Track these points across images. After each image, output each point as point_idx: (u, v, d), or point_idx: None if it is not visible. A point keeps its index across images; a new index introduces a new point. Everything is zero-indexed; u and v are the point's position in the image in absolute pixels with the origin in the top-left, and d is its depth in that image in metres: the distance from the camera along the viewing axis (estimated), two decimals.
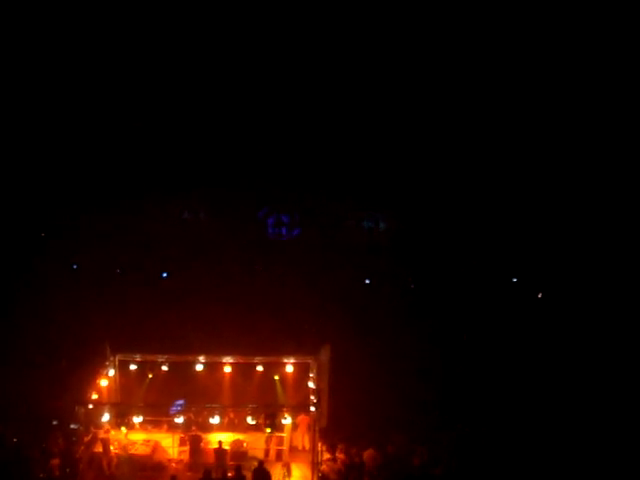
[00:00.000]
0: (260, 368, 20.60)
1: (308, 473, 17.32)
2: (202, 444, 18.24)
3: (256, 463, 16.84)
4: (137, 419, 18.20)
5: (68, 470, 16.80)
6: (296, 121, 25.92)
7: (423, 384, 22.29)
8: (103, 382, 19.22)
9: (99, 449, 17.97)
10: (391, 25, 23.09)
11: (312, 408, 17.50)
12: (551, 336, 23.57)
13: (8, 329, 23.18)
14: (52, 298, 24.55)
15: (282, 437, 18.85)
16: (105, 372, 19.60)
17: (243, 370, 20.87)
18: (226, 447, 17.94)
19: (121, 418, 17.19)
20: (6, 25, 21.89)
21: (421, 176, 26.73)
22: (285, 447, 18.77)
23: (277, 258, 27.41)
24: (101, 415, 18.17)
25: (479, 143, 25.39)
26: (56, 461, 17.10)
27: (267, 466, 17.01)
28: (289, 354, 20.53)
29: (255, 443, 18.60)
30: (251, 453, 18.27)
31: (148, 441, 18.58)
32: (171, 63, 24.10)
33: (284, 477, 17.58)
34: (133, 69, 24.17)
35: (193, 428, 18.79)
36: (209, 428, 18.69)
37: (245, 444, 18.48)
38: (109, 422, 18.32)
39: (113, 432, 18.44)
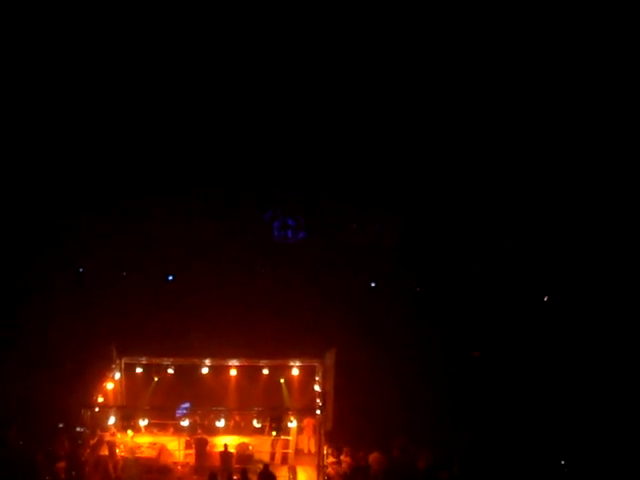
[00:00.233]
0: (266, 371, 20.61)
1: (314, 476, 17.30)
2: (208, 447, 18.24)
3: (261, 466, 16.84)
4: (143, 422, 18.23)
5: (74, 473, 16.83)
6: (301, 124, 25.93)
7: (428, 387, 22.26)
8: (109, 385, 19.25)
9: (105, 452, 18.00)
10: (395, 27, 23.09)
11: (318, 411, 17.47)
12: (557, 339, 23.50)
13: (14, 332, 23.24)
14: (58, 301, 24.61)
15: (288, 440, 18.84)
16: (111, 375, 19.63)
17: (249, 373, 20.87)
18: (232, 450, 17.92)
19: (127, 421, 17.20)
20: (8, 26, 21.95)
21: (426, 179, 26.71)
22: (291, 450, 18.76)
23: (283, 261, 27.42)
24: (107, 418, 18.21)
25: (484, 146, 25.36)
26: (62, 464, 17.14)
27: (273, 469, 17.01)
28: (295, 357, 20.53)
29: (261, 446, 18.59)
30: (257, 456, 18.27)
31: (154, 444, 18.60)
32: (174, 65, 24.14)
33: None
34: (136, 71, 24.22)
35: (199, 431, 18.80)
36: (215, 431, 18.69)
37: (251, 447, 18.47)
38: (115, 425, 18.36)
39: (119, 435, 18.47)
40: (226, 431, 18.88)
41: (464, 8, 22.53)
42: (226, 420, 18.22)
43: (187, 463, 18.33)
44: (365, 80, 24.59)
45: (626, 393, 20.61)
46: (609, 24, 21.51)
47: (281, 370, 20.74)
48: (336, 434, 19.21)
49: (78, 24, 22.92)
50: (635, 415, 19.54)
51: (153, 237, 27.15)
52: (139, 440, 18.78)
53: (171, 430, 19.46)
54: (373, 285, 26.88)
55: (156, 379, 20.82)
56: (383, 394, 22.05)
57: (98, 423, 18.43)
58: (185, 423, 18.39)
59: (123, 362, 20.31)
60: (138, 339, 22.30)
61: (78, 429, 18.46)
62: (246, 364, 20.50)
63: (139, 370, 20.44)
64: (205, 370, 20.33)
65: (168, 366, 20.31)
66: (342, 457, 18.30)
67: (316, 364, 20.11)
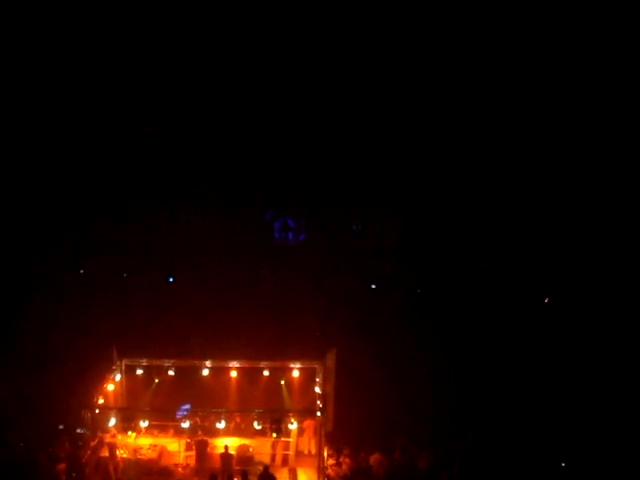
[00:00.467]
0: (266, 373, 20.64)
1: (314, 478, 17.33)
2: (208, 449, 18.27)
3: (262, 468, 16.85)
4: (143, 424, 18.24)
5: (74, 475, 16.84)
6: (302, 125, 25.94)
7: (429, 388, 22.27)
8: (110, 387, 19.28)
9: (105, 454, 18.01)
10: (395, 27, 23.10)
11: (318, 413, 17.48)
12: (558, 340, 23.48)
13: (15, 333, 23.26)
14: (59, 302, 24.61)
15: (288, 442, 18.86)
16: (112, 377, 19.66)
17: (249, 375, 20.90)
18: (232, 452, 17.95)
19: (127, 423, 17.21)
20: (8, 26, 21.96)
21: (427, 180, 26.69)
22: (291, 452, 18.78)
23: (283, 262, 27.41)
24: (107, 420, 18.22)
25: (485, 147, 25.35)
26: (62, 466, 17.16)
27: (273, 471, 17.04)
28: (295, 359, 20.55)
29: (261, 448, 18.62)
30: (257, 458, 18.30)
31: (154, 446, 18.62)
32: (174, 64, 24.14)
33: None
34: (136, 72, 24.22)
35: (199, 433, 18.82)
36: (215, 433, 18.70)
37: (251, 449, 18.50)
38: (115, 427, 18.37)
39: (120, 437, 18.48)
40: (226, 433, 18.90)
41: (464, 8, 22.54)
42: (226, 422, 18.21)
43: (187, 465, 18.38)
44: (365, 80, 24.59)
45: (627, 394, 20.60)
46: (609, 24, 21.51)
47: (281, 372, 20.77)
48: (336, 436, 19.23)
49: (79, 24, 22.94)
50: (635, 416, 19.53)
51: (154, 238, 27.15)
52: (139, 442, 18.80)
53: (171, 432, 19.49)
54: (373, 287, 26.85)
55: (157, 381, 20.85)
56: (383, 396, 22.05)
57: (98, 425, 18.45)
58: (185, 425, 18.40)
59: (124, 364, 20.34)
60: (139, 341, 22.32)
61: (78, 430, 18.50)
62: (246, 366, 20.53)
63: (140, 372, 20.47)
64: (206, 372, 20.36)
65: (169, 368, 20.34)
66: (342, 459, 18.33)
67: (316, 366, 20.13)
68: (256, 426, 18.02)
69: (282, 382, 20.92)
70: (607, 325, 22.97)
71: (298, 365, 20.45)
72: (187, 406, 19.33)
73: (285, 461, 18.64)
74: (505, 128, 24.71)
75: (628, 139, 23.14)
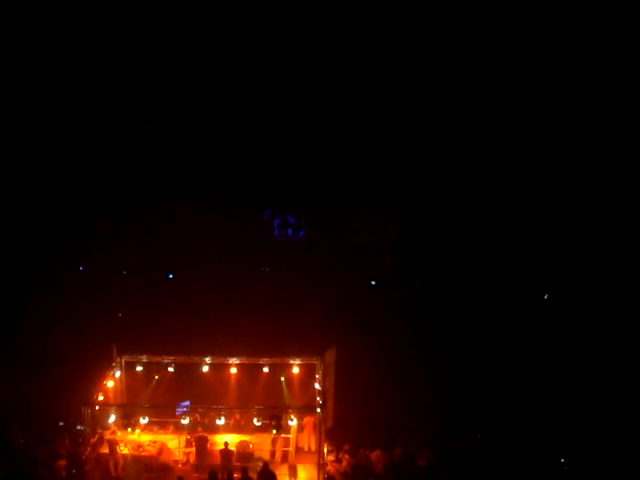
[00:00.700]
0: (266, 369, 20.62)
1: (314, 474, 17.33)
2: (208, 445, 18.27)
3: (262, 464, 16.86)
4: (143, 420, 18.26)
5: (74, 471, 16.85)
6: (301, 121, 25.92)
7: (429, 385, 22.27)
8: (109, 383, 19.29)
9: (105, 450, 18.02)
10: (395, 26, 23.08)
11: (318, 409, 17.49)
12: (558, 337, 23.48)
13: (14, 331, 23.27)
14: (58, 300, 24.61)
15: (288, 438, 18.86)
16: (111, 373, 19.67)
17: (249, 371, 20.89)
18: (232, 448, 17.94)
19: (127, 419, 17.22)
20: (8, 26, 21.93)
21: (427, 177, 26.68)
22: (291, 448, 18.77)
23: (283, 259, 27.40)
24: (107, 416, 18.24)
25: (484, 144, 25.33)
26: (63, 462, 17.19)
27: (273, 467, 17.05)
28: (295, 355, 20.55)
29: (261, 444, 18.61)
30: (257, 454, 18.29)
31: (154, 442, 18.62)
32: (174, 63, 24.12)
33: (290, 478, 17.60)
34: (136, 71, 24.20)
35: (199, 429, 18.83)
36: (215, 429, 18.72)
37: (251, 445, 18.49)
38: (115, 423, 18.38)
39: (119, 433, 18.50)
40: (226, 429, 18.92)
41: (464, 8, 22.53)
42: (226, 418, 18.22)
43: (187, 461, 18.38)
44: (366, 77, 24.57)
45: (626, 392, 20.61)
46: (609, 24, 21.50)
47: (281, 368, 20.76)
48: (336, 432, 19.26)
49: (79, 23, 22.91)
50: (635, 414, 19.54)
51: (153, 235, 27.14)
52: (140, 438, 18.81)
53: (171, 428, 19.50)
54: (373, 283, 26.85)
55: (156, 377, 20.86)
56: (383, 392, 22.06)
57: (99, 421, 18.47)
58: (185, 421, 18.40)
59: (123, 360, 20.34)
60: (138, 337, 22.31)
61: (79, 427, 18.49)
62: (246, 362, 20.52)
63: (139, 368, 20.45)
64: (205, 368, 20.36)
65: (168, 364, 20.33)
66: (342, 455, 18.35)
67: (316, 362, 20.13)
68: (256, 422, 18.02)
69: (282, 378, 20.93)
70: (607, 322, 22.97)
71: (298, 362, 20.45)
72: (187, 403, 19.36)
73: (285, 457, 18.64)
74: (506, 124, 24.70)
75: (627, 138, 23.15)
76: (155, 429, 19.57)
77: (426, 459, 18.02)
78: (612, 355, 22.22)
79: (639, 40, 20.92)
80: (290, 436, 18.90)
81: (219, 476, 16.43)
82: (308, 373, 20.49)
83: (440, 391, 22.08)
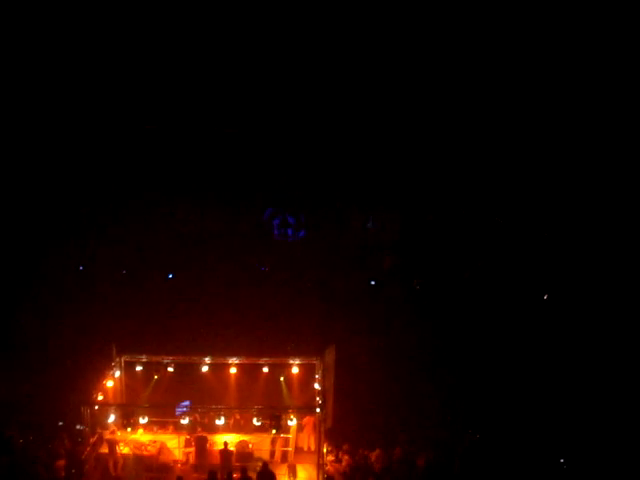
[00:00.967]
0: (266, 369, 20.61)
1: (313, 474, 17.32)
2: (208, 445, 18.25)
3: (261, 464, 16.85)
4: (143, 420, 18.24)
5: (74, 471, 16.84)
6: (301, 121, 25.92)
7: (429, 385, 22.28)
8: (109, 383, 19.26)
9: (105, 450, 18.02)
10: (395, 26, 23.08)
11: (317, 409, 17.48)
12: (557, 338, 23.49)
13: (14, 330, 23.28)
14: (58, 300, 24.62)
15: (288, 438, 18.85)
16: (111, 373, 19.64)
17: (249, 371, 20.86)
18: (232, 448, 17.93)
19: (127, 419, 17.21)
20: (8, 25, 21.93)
21: (427, 177, 26.69)
22: (291, 448, 18.76)
23: (283, 259, 27.42)
24: (107, 416, 18.22)
25: (483, 143, 25.34)
26: (62, 462, 17.18)
27: (272, 467, 17.03)
28: (294, 355, 20.54)
29: (261, 444, 18.59)
30: (257, 454, 18.27)
31: (154, 442, 18.60)
32: (174, 62, 24.12)
33: (289, 478, 17.60)
34: (136, 69, 24.20)
35: (199, 429, 18.83)
36: (215, 429, 18.70)
37: (251, 445, 18.47)
38: (115, 423, 18.38)
39: (119, 433, 18.50)
40: (226, 429, 18.90)
41: (464, 8, 22.53)
42: (226, 418, 18.18)
43: (187, 461, 18.36)
44: (365, 77, 24.57)
45: (626, 392, 20.61)
46: (609, 24, 21.50)
47: (281, 368, 20.73)
48: (336, 432, 19.25)
49: (80, 22, 22.91)
50: (634, 413, 19.54)
51: (153, 235, 27.15)
52: (139, 438, 18.81)
53: (171, 428, 19.47)
54: (373, 283, 26.87)
55: (156, 377, 20.79)
56: (383, 392, 22.08)
57: (98, 421, 18.44)
58: (185, 421, 18.37)
59: (123, 360, 20.31)
60: (138, 337, 22.34)
61: (78, 427, 18.49)
62: (246, 362, 20.50)
63: (139, 368, 20.42)
64: (205, 368, 20.33)
65: (168, 364, 20.30)
66: (342, 455, 18.35)
67: (316, 362, 20.12)
68: (255, 422, 18.00)
69: (281, 378, 20.89)
70: (607, 322, 22.98)
71: (297, 361, 20.42)
72: (186, 402, 19.34)
73: (284, 457, 18.62)
74: (505, 124, 24.70)
75: (626, 137, 23.15)
76: (155, 429, 19.54)
77: (425, 459, 18.01)
78: (611, 355, 22.24)
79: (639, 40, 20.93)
80: (289, 436, 18.89)
81: (218, 476, 16.43)
82: (308, 373, 20.47)
83: (439, 391, 22.09)
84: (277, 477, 16.68)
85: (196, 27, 23.25)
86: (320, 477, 16.96)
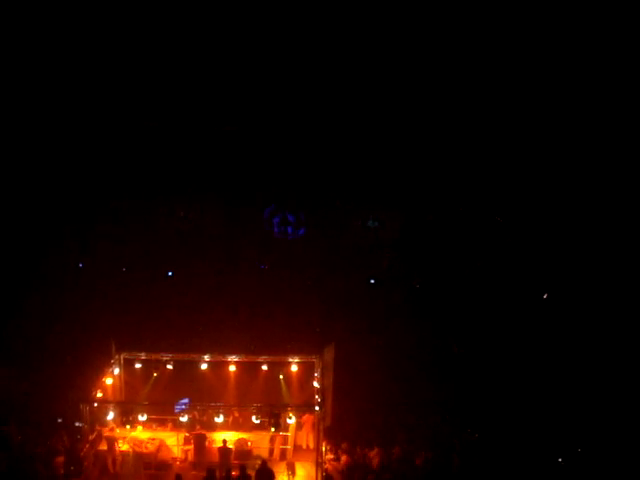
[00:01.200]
0: (265, 367, 20.61)
1: (312, 472, 17.32)
2: (206, 443, 18.25)
3: (260, 462, 16.85)
4: (142, 418, 18.23)
5: (73, 468, 16.86)
6: (301, 120, 25.91)
7: (428, 384, 22.27)
8: (108, 380, 19.25)
9: (104, 447, 18.01)
10: (395, 25, 23.08)
11: (316, 407, 17.48)
12: (556, 337, 23.50)
13: (14, 327, 23.27)
14: (58, 297, 24.63)
15: (287, 436, 18.85)
16: (110, 370, 19.63)
17: (248, 369, 20.86)
18: (230, 446, 17.93)
19: (126, 416, 17.21)
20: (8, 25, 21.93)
21: (426, 176, 26.68)
22: (289, 446, 18.77)
23: (282, 257, 27.42)
24: (106, 413, 18.22)
25: (483, 142, 25.34)
26: (61, 459, 17.19)
27: (271, 465, 17.02)
28: (294, 353, 20.54)
29: (259, 442, 18.60)
30: (255, 452, 18.27)
31: (153, 440, 18.60)
32: (174, 61, 24.11)
33: (288, 476, 17.59)
34: (136, 68, 24.19)
35: (198, 427, 18.82)
36: (213, 427, 18.70)
37: (249, 443, 18.47)
38: (114, 420, 18.38)
39: (118, 430, 18.49)
40: (225, 427, 18.91)
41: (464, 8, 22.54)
42: (225, 416, 18.21)
43: (186, 459, 18.36)
44: (365, 76, 24.56)
45: (625, 391, 20.62)
46: (609, 24, 21.50)
47: (280, 366, 20.73)
48: (335, 430, 19.24)
49: (80, 20, 22.90)
50: (633, 412, 19.55)
51: (152, 233, 27.15)
52: (138, 435, 18.80)
53: (170, 426, 19.47)
54: (372, 282, 26.87)
55: (155, 375, 20.81)
56: (382, 391, 22.07)
57: (97, 418, 18.44)
58: (184, 419, 18.39)
59: (122, 357, 20.30)
60: (137, 334, 22.33)
61: (77, 424, 18.51)
62: (245, 360, 20.50)
63: (138, 365, 20.42)
64: (204, 366, 20.32)
65: (167, 362, 20.30)
66: (340, 453, 18.35)
67: (315, 360, 20.12)
68: (254, 420, 18.00)
69: (281, 376, 20.90)
70: (606, 320, 22.98)
71: (297, 360, 20.42)
72: (185, 400, 19.36)
73: (283, 455, 18.63)
74: (505, 124, 24.70)
75: (627, 138, 23.16)
76: (154, 426, 19.53)
77: (424, 458, 18.02)
78: (610, 354, 22.24)
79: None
80: (288, 434, 18.89)
81: (217, 474, 16.43)
82: (307, 371, 20.46)
83: (438, 390, 22.09)
84: (276, 475, 16.68)
85: (196, 26, 23.25)
86: (319, 475, 16.96)
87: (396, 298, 26.13)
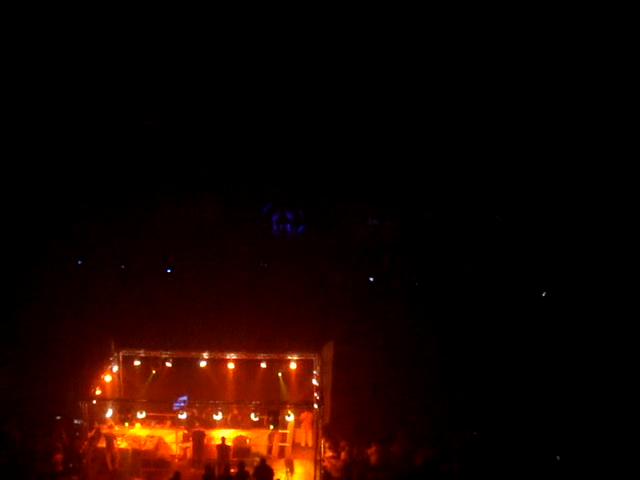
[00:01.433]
0: (264, 365, 20.63)
1: (311, 470, 17.35)
2: (205, 440, 18.27)
3: (259, 460, 16.86)
4: (141, 415, 18.25)
5: (71, 465, 16.90)
6: (301, 117, 25.88)
7: (427, 383, 22.27)
8: (107, 378, 19.27)
9: (103, 444, 18.03)
10: (395, 25, 23.04)
11: (315, 405, 17.49)
12: (556, 335, 23.49)
13: (13, 324, 23.25)
14: (57, 294, 24.59)
15: (285, 434, 18.88)
16: (109, 368, 19.65)
17: (247, 367, 20.89)
18: (229, 443, 17.97)
19: (125, 414, 17.22)
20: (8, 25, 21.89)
21: (426, 173, 26.66)
22: (288, 444, 18.81)
23: (281, 254, 27.39)
24: (105, 411, 18.25)
25: (484, 141, 25.31)
26: (60, 456, 17.21)
27: (270, 463, 17.05)
28: (293, 351, 20.55)
29: (258, 440, 18.64)
30: (254, 449, 18.32)
31: (152, 437, 18.62)
32: (173, 59, 24.07)
33: (287, 474, 17.62)
34: (135, 65, 24.14)
35: (196, 424, 18.82)
36: (212, 424, 18.71)
37: (248, 440, 18.51)
38: (113, 418, 18.39)
39: (117, 427, 18.51)
40: (224, 424, 18.94)
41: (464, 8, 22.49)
42: (224, 413, 18.26)
43: (184, 456, 18.38)
44: (365, 75, 24.53)
45: (624, 390, 20.62)
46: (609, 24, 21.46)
47: (279, 364, 20.75)
48: (334, 428, 19.26)
49: (79, 19, 22.86)
50: (633, 412, 19.56)
51: (152, 230, 27.11)
52: (137, 433, 18.82)
53: (169, 423, 19.50)
54: (372, 279, 26.86)
55: (154, 372, 20.83)
56: (381, 389, 22.07)
57: (96, 416, 18.45)
58: (183, 416, 18.42)
59: (121, 355, 20.33)
60: (136, 332, 22.30)
61: (76, 421, 18.49)
62: (244, 358, 20.52)
63: (137, 363, 20.46)
64: (203, 363, 20.35)
65: (166, 359, 20.34)
66: (339, 451, 18.36)
67: (314, 358, 20.14)
68: (253, 418, 18.04)
69: (279, 374, 20.91)
70: (605, 319, 22.98)
71: (296, 357, 20.44)
72: (184, 397, 19.34)
73: (282, 453, 18.67)
74: (505, 123, 24.67)
75: (627, 138, 23.13)
76: (152, 424, 19.55)
77: (423, 456, 18.03)
78: (609, 353, 22.24)
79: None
80: (287, 432, 18.92)
81: (216, 471, 16.48)
82: (306, 369, 20.48)
83: (437, 388, 22.09)
84: (274, 472, 16.71)
85: (196, 25, 23.21)
86: (317, 473, 16.99)
87: (395, 296, 26.11)
